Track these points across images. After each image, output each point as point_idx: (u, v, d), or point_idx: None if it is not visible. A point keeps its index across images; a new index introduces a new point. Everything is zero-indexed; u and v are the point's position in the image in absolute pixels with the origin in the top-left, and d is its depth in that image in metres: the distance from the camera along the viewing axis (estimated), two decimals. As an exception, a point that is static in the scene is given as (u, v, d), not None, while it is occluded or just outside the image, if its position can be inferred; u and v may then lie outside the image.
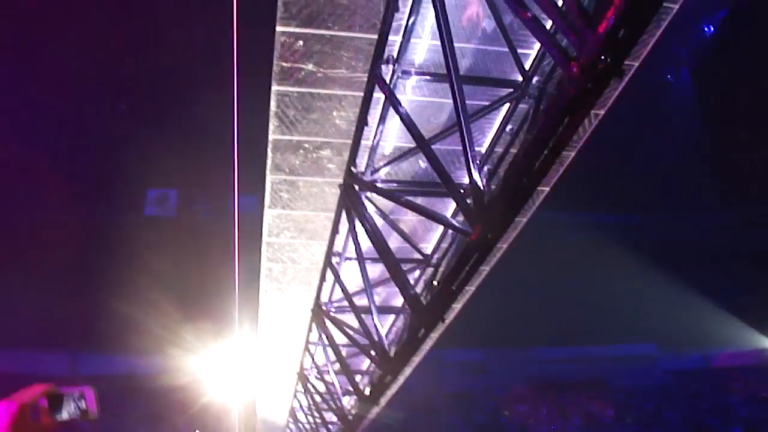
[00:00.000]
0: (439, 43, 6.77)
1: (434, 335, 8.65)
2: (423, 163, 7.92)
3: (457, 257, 6.46)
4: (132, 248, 30.58)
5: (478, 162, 5.63)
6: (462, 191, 6.47)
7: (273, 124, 7.35)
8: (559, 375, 33.66)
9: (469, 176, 5.66)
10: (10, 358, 28.81)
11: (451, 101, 6.90)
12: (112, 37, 31.01)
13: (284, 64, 6.61)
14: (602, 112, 7.23)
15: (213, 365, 23.87)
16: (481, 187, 5.68)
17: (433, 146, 7.35)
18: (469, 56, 6.80)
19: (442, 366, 35.05)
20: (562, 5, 4.33)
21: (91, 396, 2.62)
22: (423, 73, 7.03)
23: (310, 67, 6.68)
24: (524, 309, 32.05)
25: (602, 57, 4.19)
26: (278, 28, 6.27)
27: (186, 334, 30.11)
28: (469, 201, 5.87)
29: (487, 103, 7.12)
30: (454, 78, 5.64)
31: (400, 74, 6.80)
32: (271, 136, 7.53)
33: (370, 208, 8.12)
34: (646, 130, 35.43)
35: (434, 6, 5.69)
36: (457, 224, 6.23)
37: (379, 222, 8.85)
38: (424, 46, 6.87)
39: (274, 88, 6.89)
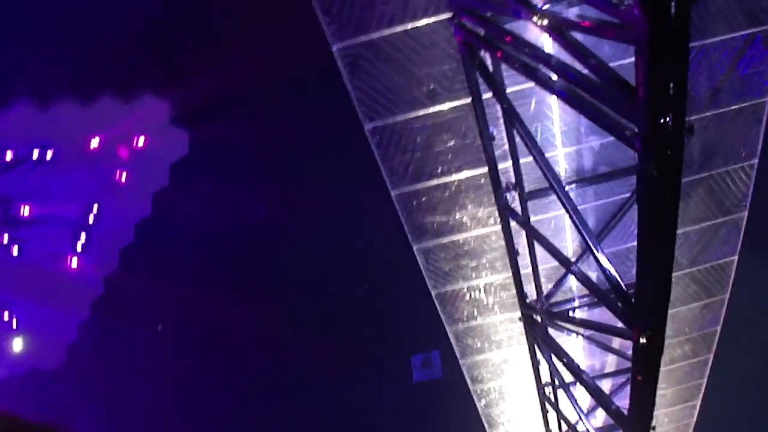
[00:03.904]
0: (563, 153, 6.71)
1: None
2: (592, 273, 7.50)
3: (632, 363, 5.95)
4: (407, 417, 31.33)
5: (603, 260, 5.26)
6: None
7: (430, 279, 7.46)
8: None
9: (606, 278, 5.34)
10: None
11: (595, 203, 6.71)
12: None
13: (413, 221, 6.80)
14: (755, 161, 6.55)
15: None
16: (624, 288, 5.29)
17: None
18: (587, 155, 6.59)
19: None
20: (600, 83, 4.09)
21: None
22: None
23: (439, 217, 6.81)
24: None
25: (661, 119, 3.77)
26: (392, 192, 6.50)
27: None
28: (619, 304, 5.48)
29: (628, 195, 6.76)
30: (554, 184, 5.46)
31: (526, 196, 6.67)
32: (433, 291, 7.61)
33: (556, 332, 7.80)
34: None
35: (504, 122, 5.66)
36: (620, 330, 5.76)
37: (578, 341, 8.48)
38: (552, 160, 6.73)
39: (415, 246, 7.05)
